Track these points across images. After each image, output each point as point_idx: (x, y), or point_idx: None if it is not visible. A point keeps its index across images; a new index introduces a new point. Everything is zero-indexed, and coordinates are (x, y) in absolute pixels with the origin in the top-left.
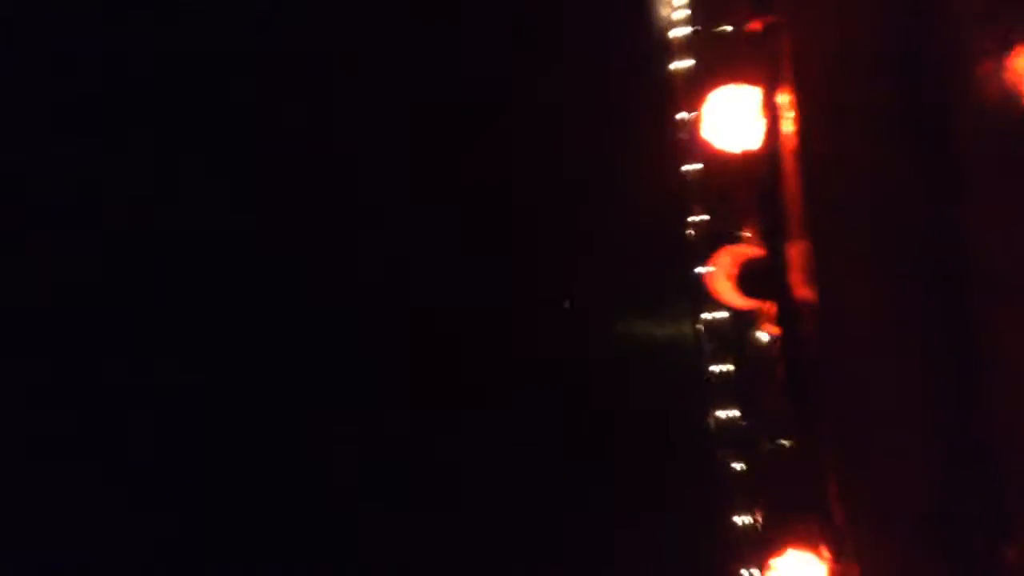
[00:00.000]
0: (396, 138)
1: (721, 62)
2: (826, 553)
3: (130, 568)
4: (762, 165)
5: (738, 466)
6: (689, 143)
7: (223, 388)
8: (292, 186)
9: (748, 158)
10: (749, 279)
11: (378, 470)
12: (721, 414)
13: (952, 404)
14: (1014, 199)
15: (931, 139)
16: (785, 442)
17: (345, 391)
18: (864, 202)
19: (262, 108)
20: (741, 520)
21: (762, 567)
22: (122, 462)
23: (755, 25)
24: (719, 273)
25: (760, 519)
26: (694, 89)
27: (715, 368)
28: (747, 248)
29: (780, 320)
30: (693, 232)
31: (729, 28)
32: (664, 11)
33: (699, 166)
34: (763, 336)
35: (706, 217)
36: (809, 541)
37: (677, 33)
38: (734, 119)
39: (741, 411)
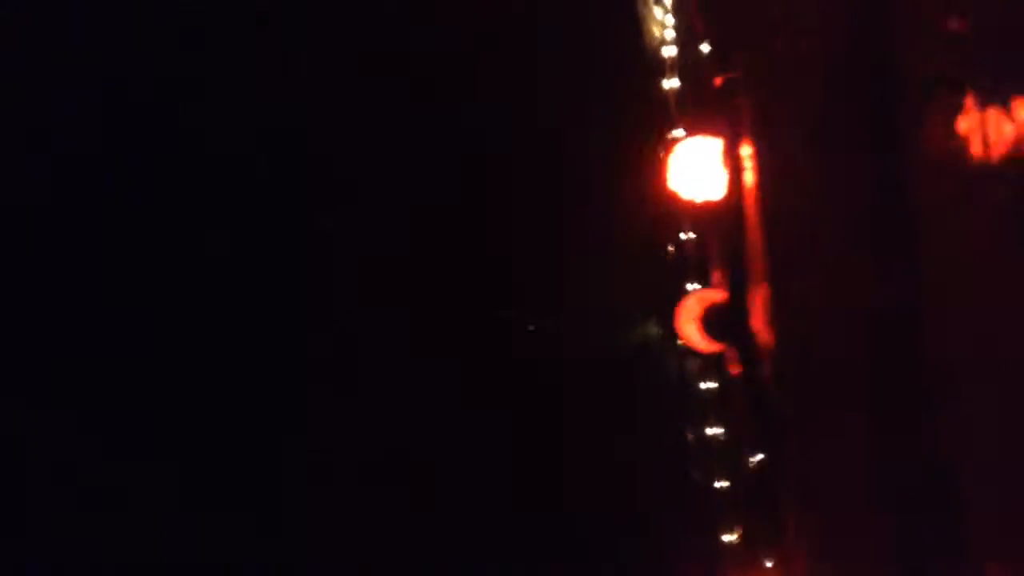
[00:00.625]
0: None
1: (686, 114)
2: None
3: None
4: (725, 214)
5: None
6: (656, 191)
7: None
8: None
9: (712, 207)
10: (713, 324)
11: (378, 470)
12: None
13: (903, 449)
14: (970, 244)
15: (889, 190)
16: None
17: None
18: (822, 250)
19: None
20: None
21: None
22: (122, 462)
23: (718, 81)
24: (687, 316)
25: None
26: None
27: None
28: (713, 292)
29: (741, 363)
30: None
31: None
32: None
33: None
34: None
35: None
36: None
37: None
38: (698, 169)
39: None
